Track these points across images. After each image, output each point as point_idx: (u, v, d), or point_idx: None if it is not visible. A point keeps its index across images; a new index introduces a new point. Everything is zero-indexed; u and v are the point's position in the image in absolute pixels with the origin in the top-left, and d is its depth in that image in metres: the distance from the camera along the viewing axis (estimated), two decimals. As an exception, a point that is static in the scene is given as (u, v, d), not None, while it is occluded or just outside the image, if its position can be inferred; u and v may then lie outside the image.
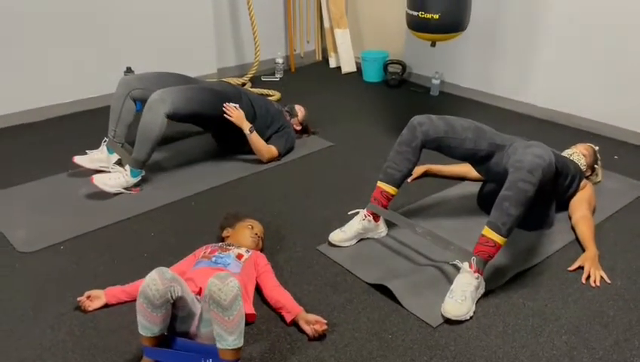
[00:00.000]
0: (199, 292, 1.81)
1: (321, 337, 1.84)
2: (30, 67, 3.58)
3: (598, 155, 2.78)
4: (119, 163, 2.89)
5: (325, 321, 1.85)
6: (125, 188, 2.74)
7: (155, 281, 1.56)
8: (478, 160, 2.32)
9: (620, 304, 2.04)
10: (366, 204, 2.38)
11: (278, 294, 1.96)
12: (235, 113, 2.91)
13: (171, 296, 1.57)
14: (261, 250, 2.23)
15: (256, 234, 2.20)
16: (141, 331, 1.62)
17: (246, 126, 2.95)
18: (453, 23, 2.96)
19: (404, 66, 4.55)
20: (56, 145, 3.30)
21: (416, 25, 3.01)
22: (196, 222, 2.54)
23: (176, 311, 1.66)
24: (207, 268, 1.93)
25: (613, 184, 2.89)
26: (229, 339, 1.56)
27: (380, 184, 2.34)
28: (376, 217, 2.38)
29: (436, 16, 2.89)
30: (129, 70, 3.78)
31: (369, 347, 1.82)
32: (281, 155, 3.16)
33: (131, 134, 2.85)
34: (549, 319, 1.96)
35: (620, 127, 3.48)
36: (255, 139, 3.00)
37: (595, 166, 2.76)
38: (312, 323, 1.84)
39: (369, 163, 3.11)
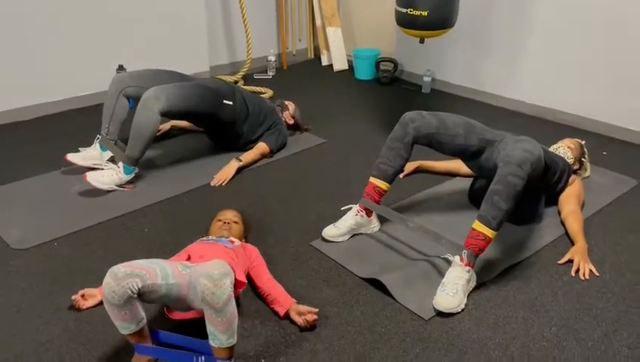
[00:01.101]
0: (188, 259, 1.86)
1: (312, 327, 1.86)
2: (22, 65, 3.56)
3: (584, 149, 2.81)
4: (112, 160, 2.89)
5: (316, 310, 1.88)
6: (119, 186, 2.75)
7: (110, 284, 1.55)
8: (468, 156, 2.35)
9: (609, 296, 2.07)
10: (359, 199, 2.40)
11: (270, 287, 1.98)
12: (222, 177, 2.87)
13: (132, 292, 1.56)
14: (246, 238, 2.27)
15: (225, 222, 2.19)
16: (120, 330, 1.64)
17: (234, 164, 2.95)
18: (441, 20, 2.99)
19: (395, 64, 4.57)
20: (49, 143, 3.29)
21: (405, 21, 3.04)
22: (189, 218, 2.55)
23: (150, 296, 1.63)
24: (201, 243, 1.99)
25: (602, 179, 2.93)
26: (223, 339, 1.57)
27: (372, 180, 2.36)
28: (368, 212, 2.40)
29: (425, 13, 2.93)
30: (121, 68, 3.78)
31: (362, 340, 1.85)
32: (272, 152, 3.18)
33: (125, 131, 2.86)
34: (539, 311, 1.99)
35: (608, 123, 3.52)
36: (247, 161, 3.02)
37: (583, 160, 2.80)
38: (304, 313, 1.86)
39: (361, 159, 3.13)
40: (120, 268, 1.58)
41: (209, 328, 1.57)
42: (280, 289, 1.97)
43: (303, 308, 1.89)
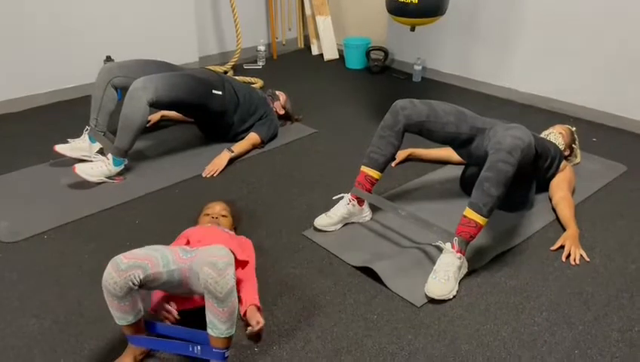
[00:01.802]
0: (187, 243, 1.87)
1: (258, 337, 1.80)
2: (9, 57, 3.52)
3: (575, 136, 2.83)
4: (101, 152, 2.87)
5: (263, 323, 1.78)
6: (108, 177, 2.73)
7: (111, 275, 1.54)
8: (459, 143, 2.35)
9: (599, 281, 2.09)
10: (350, 188, 2.40)
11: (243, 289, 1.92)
12: (214, 167, 2.86)
13: (133, 284, 1.55)
14: (235, 229, 2.26)
15: (213, 216, 2.17)
16: (117, 321, 1.63)
17: (225, 155, 2.93)
18: (432, 7, 2.98)
19: (386, 53, 4.56)
20: (37, 135, 3.26)
21: (396, 9, 3.03)
22: (180, 209, 2.54)
23: (152, 284, 1.61)
24: (200, 228, 2.00)
25: (592, 165, 2.95)
26: (223, 328, 1.56)
27: (363, 168, 2.36)
28: (360, 201, 2.40)
29: (415, 1, 2.91)
30: (109, 59, 3.74)
31: (355, 327, 1.85)
32: (264, 142, 3.16)
33: (114, 123, 2.83)
34: (530, 297, 2.00)
35: (597, 110, 3.54)
36: (239, 152, 3.01)
37: (573, 146, 2.81)
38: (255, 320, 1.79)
39: (352, 148, 3.13)
40: (122, 259, 1.56)
41: (209, 317, 1.56)
42: (252, 291, 1.91)
43: (257, 316, 1.81)
